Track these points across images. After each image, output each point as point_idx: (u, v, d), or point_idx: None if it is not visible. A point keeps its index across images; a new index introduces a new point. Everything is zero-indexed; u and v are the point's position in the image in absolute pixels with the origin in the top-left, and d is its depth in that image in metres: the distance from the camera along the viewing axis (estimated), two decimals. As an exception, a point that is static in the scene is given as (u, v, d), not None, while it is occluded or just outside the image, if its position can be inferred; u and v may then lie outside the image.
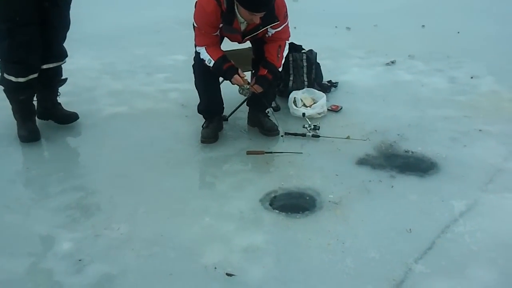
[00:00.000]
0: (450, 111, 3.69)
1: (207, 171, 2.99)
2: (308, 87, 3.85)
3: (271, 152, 3.11)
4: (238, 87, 3.08)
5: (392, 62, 4.73)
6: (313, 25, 6.20)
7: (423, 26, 6.08)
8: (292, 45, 3.99)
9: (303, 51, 3.96)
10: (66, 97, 3.81)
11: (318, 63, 4.03)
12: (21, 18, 2.94)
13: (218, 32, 2.95)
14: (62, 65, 3.42)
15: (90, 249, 2.28)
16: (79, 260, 2.21)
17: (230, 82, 3.11)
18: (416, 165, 3.00)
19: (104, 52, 5.08)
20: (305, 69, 3.88)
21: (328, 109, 3.72)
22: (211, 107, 3.29)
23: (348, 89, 4.16)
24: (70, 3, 3.21)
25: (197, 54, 3.04)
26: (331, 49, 5.23)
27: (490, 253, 2.22)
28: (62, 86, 3.56)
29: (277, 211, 2.57)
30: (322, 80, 4.06)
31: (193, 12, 2.93)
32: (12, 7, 2.91)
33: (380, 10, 6.76)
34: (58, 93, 3.48)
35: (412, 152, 3.13)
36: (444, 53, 5.00)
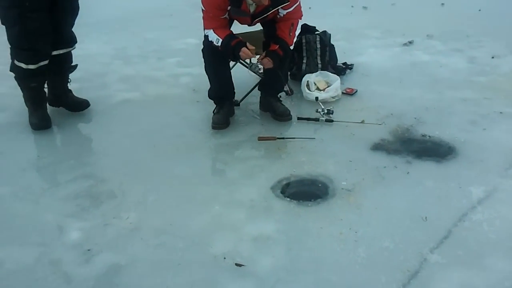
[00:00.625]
0: (470, 93, 3.56)
1: (217, 158, 2.94)
2: (322, 70, 3.75)
3: (283, 138, 3.04)
4: (248, 68, 3.01)
5: (410, 42, 4.58)
6: (328, 5, 6.06)
7: (442, 4, 5.88)
8: (305, 26, 3.91)
9: (317, 32, 3.85)
10: (77, 83, 3.80)
11: (332, 45, 3.92)
12: (31, 3, 2.89)
13: (226, 15, 2.87)
14: (72, 51, 3.38)
15: (99, 238, 2.26)
16: (88, 250, 2.20)
17: (240, 62, 3.03)
18: (433, 150, 2.90)
19: (115, 36, 5.03)
20: (318, 52, 3.77)
21: (342, 92, 3.62)
22: (221, 92, 3.22)
23: (363, 71, 4.05)
24: (78, -12, 3.16)
25: (206, 37, 2.97)
26: (346, 29, 5.09)
27: (509, 242, 2.14)
28: (74, 72, 3.53)
29: (288, 199, 2.51)
30: (336, 62, 3.95)
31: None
32: None
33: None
34: (69, 80, 3.45)
35: (429, 136, 3.03)
36: (463, 32, 4.82)
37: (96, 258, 2.14)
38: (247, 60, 3.25)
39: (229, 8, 2.80)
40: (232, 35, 2.93)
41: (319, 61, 3.78)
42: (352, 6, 5.93)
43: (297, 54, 3.80)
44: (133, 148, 3.02)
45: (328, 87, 3.58)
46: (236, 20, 3.05)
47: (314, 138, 3.05)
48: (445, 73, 3.92)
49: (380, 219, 2.31)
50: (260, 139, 3.05)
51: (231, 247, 2.17)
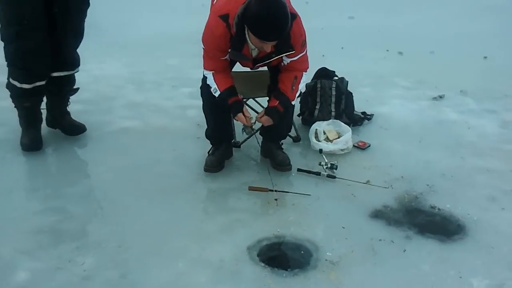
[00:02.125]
0: (495, 163, 3.19)
1: (199, 206, 2.71)
2: (335, 119, 3.49)
3: (275, 191, 2.78)
4: (243, 127, 2.82)
5: (440, 97, 4.25)
6: (362, 46, 5.80)
7: (485, 57, 5.50)
8: (323, 70, 3.68)
9: (335, 78, 3.61)
10: (83, 105, 3.73)
11: (350, 93, 3.65)
12: (29, 22, 2.82)
13: (227, 56, 2.68)
14: (76, 74, 3.28)
15: (45, 284, 2.09)
16: (30, 296, 2.02)
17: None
18: (439, 226, 2.57)
19: (137, 59, 4.95)
20: (333, 99, 3.52)
21: (354, 146, 3.34)
22: (217, 134, 3.02)
23: (382, 123, 3.75)
24: (84, 12, 3.06)
25: (205, 78, 2.79)
26: (375, 75, 4.81)
27: None
28: (82, 93, 3.47)
29: (263, 264, 2.25)
30: (353, 111, 3.67)
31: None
32: (20, 10, 2.80)
33: (440, 35, 6.21)
34: (68, 103, 3.35)
35: (439, 209, 2.70)
36: (502, 91, 4.42)
37: (33, 308, 1.95)
38: None
39: (229, 50, 2.61)
40: (230, 90, 2.73)
41: (333, 109, 3.52)
42: (387, 50, 5.64)
43: (311, 99, 3.56)
44: (116, 184, 2.84)
45: (338, 138, 3.31)
46: (238, 62, 2.87)
47: (309, 195, 2.77)
48: (472, 136, 3.56)
49: (358, 305, 2.01)
50: (251, 189, 2.80)
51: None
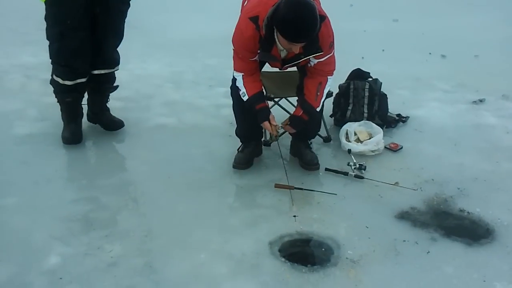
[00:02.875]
0: (533, 168, 3.08)
1: (225, 200, 2.77)
2: (367, 120, 3.47)
3: (301, 189, 2.81)
4: (270, 134, 2.88)
5: (480, 101, 4.12)
6: (405, 49, 5.70)
7: (533, 62, 5.28)
8: (358, 71, 3.67)
9: (368, 79, 3.59)
10: (123, 102, 3.87)
11: (385, 94, 3.61)
12: (72, 22, 2.97)
13: (256, 57, 2.73)
14: (116, 72, 3.40)
15: (74, 268, 2.20)
16: (60, 278, 2.14)
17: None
18: (467, 230, 2.52)
19: (177, 59, 5.08)
20: (366, 100, 3.50)
21: (385, 147, 3.31)
22: (247, 133, 3.07)
23: (417, 126, 3.68)
24: (124, 12, 3.18)
25: (234, 79, 2.85)
26: (415, 77, 4.72)
27: None
28: (123, 91, 3.61)
29: (283, 259, 2.28)
30: (386, 113, 3.63)
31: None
32: (63, 11, 2.95)
33: (486, 39, 6.00)
34: (108, 99, 3.49)
35: (468, 212, 2.65)
36: (547, 96, 4.25)
37: (62, 290, 2.06)
38: None
39: (259, 51, 2.66)
40: (258, 96, 2.79)
41: (365, 110, 3.50)
42: (430, 53, 5.51)
43: (343, 100, 3.56)
44: (147, 177, 2.95)
45: (369, 139, 3.29)
46: (267, 63, 2.91)
47: (335, 194, 2.78)
48: (510, 141, 3.43)
49: (375, 304, 2.01)
50: (277, 186, 2.84)
51: (198, 305, 1.99)
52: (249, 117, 2.97)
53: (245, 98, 2.79)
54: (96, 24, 3.08)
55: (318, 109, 2.86)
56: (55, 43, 3.05)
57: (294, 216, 2.58)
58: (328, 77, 2.79)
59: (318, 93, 2.77)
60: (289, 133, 3.14)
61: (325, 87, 2.79)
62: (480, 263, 2.25)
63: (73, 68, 3.10)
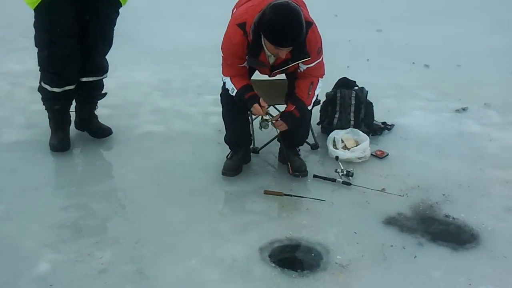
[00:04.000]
0: (515, 175, 3.16)
1: (215, 207, 2.78)
2: (354, 127, 3.52)
3: (290, 195, 2.84)
4: (260, 121, 2.88)
5: (463, 109, 4.22)
6: (388, 59, 5.80)
7: (513, 71, 5.42)
8: (344, 80, 3.73)
9: (355, 88, 3.65)
10: (111, 109, 3.87)
11: (370, 102, 3.68)
12: (62, 29, 2.98)
13: (245, 64, 2.77)
14: (104, 79, 3.42)
15: (65, 275, 2.19)
16: (50, 285, 2.13)
17: (253, 113, 2.91)
18: (452, 235, 2.57)
19: (165, 68, 5.10)
20: (352, 108, 3.56)
21: (372, 154, 3.36)
22: (236, 139, 3.10)
23: (402, 133, 3.75)
24: (113, 20, 3.20)
25: (224, 84, 2.89)
26: (399, 86, 4.81)
27: None
28: (111, 98, 3.62)
29: (273, 264, 2.30)
30: (372, 121, 3.69)
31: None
32: (54, 18, 2.96)
33: (469, 49, 6.14)
34: (96, 107, 3.50)
35: (453, 218, 2.70)
36: (528, 105, 4.37)
37: (51, 297, 2.06)
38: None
39: (247, 57, 2.70)
40: (247, 87, 2.81)
41: (352, 118, 3.56)
42: (414, 63, 5.63)
43: (330, 108, 3.62)
44: (137, 184, 2.95)
45: (356, 146, 3.35)
46: (256, 69, 2.95)
47: (324, 200, 2.82)
48: (493, 149, 3.52)
49: (365, 308, 2.04)
50: (266, 192, 2.87)
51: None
52: (238, 122, 3.00)
53: (234, 92, 2.80)
54: (85, 32, 3.10)
55: (309, 107, 2.89)
56: (44, 50, 3.05)
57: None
58: (319, 78, 2.85)
59: (310, 92, 2.81)
60: (277, 140, 3.19)
61: (316, 87, 2.83)
62: (465, 267, 2.30)
63: (62, 75, 3.10)
